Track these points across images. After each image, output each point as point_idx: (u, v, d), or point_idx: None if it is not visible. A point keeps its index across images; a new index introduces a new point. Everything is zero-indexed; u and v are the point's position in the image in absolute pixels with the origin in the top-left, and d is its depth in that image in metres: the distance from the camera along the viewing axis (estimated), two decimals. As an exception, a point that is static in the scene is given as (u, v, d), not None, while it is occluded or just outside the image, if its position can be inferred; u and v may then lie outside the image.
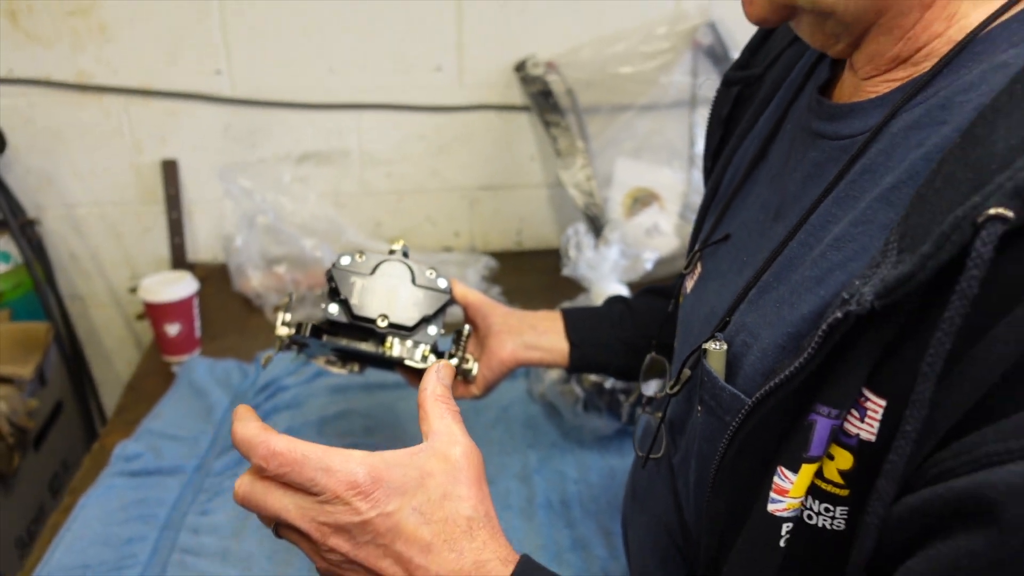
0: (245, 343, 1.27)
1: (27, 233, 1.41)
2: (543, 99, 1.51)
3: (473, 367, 0.80)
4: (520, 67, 1.52)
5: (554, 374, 1.04)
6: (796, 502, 0.41)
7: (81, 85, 1.43)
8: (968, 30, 0.40)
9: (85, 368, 1.56)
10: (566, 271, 1.21)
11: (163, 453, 0.99)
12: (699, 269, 0.60)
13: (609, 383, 0.98)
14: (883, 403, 0.37)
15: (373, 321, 0.70)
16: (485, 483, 0.48)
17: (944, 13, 0.41)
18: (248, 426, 0.46)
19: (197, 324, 1.24)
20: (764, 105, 0.59)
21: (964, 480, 0.33)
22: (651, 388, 0.73)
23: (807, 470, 0.40)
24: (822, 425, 0.39)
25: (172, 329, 1.20)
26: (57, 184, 1.50)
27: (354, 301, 0.69)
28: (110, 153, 1.49)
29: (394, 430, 1.06)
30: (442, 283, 0.72)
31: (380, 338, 0.71)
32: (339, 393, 1.13)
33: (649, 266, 1.30)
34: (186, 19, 1.42)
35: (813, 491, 0.41)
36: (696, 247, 0.62)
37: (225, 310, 1.38)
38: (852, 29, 0.44)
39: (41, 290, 1.38)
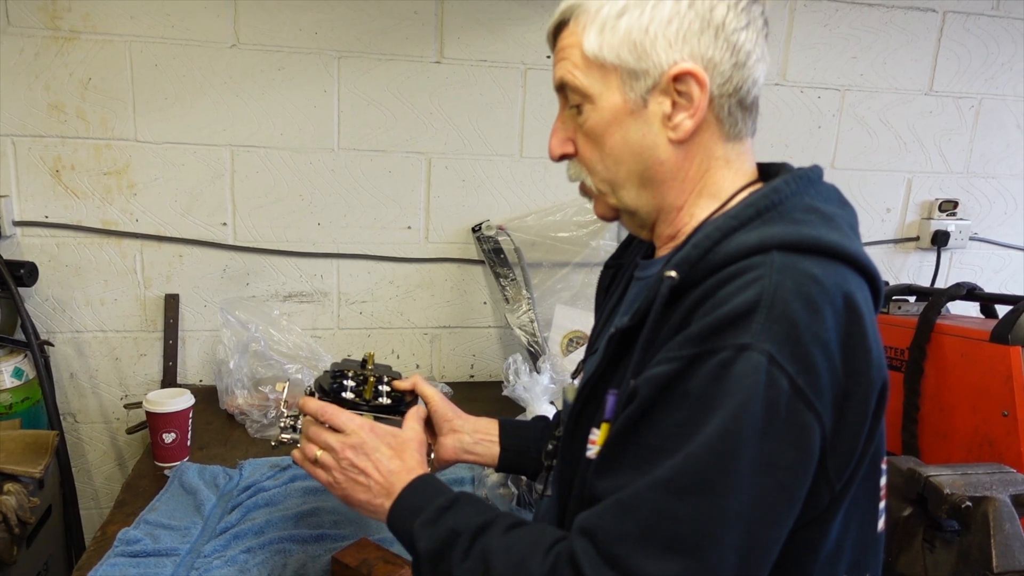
0: (229, 452, 1.46)
1: (42, 353, 1.61)
2: (495, 255, 1.84)
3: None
4: (476, 229, 1.86)
5: (494, 478, 1.26)
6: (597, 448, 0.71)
7: (106, 230, 1.70)
8: (695, 224, 0.75)
9: (70, 479, 1.70)
10: (506, 392, 1.46)
11: (160, 539, 1.16)
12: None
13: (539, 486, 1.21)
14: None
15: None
16: (420, 454, 0.89)
17: (686, 214, 0.77)
18: (312, 401, 0.91)
19: (189, 434, 1.43)
20: (624, 279, 0.92)
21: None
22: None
23: (604, 427, 0.70)
24: (611, 400, 0.70)
25: (168, 437, 1.39)
26: (70, 311, 1.72)
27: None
28: (121, 287, 1.74)
29: (357, 525, 1.24)
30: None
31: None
32: (311, 494, 1.31)
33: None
34: (203, 181, 1.72)
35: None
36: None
37: (211, 425, 1.58)
38: (648, 221, 0.79)
39: (49, 404, 1.56)
